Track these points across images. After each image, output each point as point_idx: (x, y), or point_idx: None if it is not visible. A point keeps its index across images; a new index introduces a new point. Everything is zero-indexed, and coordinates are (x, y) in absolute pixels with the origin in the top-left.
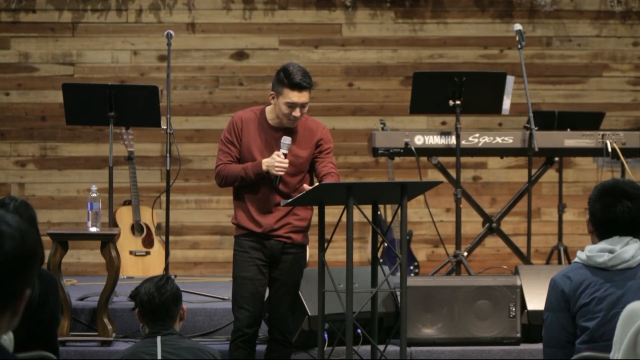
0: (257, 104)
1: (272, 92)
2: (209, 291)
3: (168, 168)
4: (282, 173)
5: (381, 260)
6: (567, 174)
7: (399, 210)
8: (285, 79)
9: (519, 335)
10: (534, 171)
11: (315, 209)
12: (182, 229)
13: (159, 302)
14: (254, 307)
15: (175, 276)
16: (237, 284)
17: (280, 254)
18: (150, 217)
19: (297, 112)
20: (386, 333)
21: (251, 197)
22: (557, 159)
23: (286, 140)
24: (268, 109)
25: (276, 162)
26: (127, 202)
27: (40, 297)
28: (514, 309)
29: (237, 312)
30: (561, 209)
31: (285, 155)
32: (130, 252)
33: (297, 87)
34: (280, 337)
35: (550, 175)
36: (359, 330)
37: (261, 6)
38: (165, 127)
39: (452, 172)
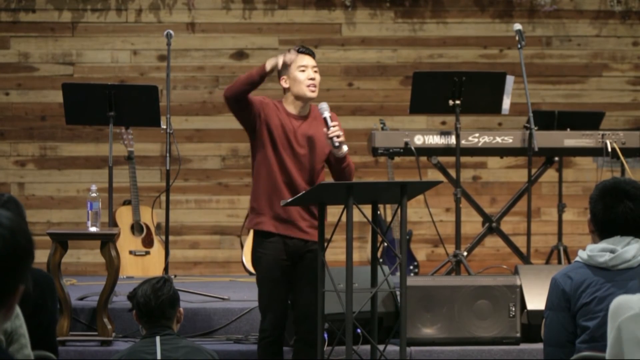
0: None
1: (282, 77)
2: (208, 291)
3: (168, 168)
4: (341, 133)
5: (381, 260)
6: (567, 173)
7: (399, 210)
8: (292, 51)
9: (518, 335)
10: (533, 171)
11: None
12: (181, 229)
13: (155, 305)
14: (279, 308)
15: (175, 276)
16: (260, 285)
17: (303, 252)
18: (150, 216)
19: (312, 74)
20: (386, 333)
21: (273, 200)
22: (556, 158)
23: (323, 104)
24: (284, 99)
25: (332, 131)
26: (126, 202)
27: (37, 300)
28: (513, 309)
29: (262, 314)
30: (561, 208)
31: (330, 118)
32: (130, 252)
33: (303, 52)
34: (307, 337)
35: (550, 175)
36: (358, 330)
37: (261, 6)
38: (165, 126)
39: (452, 172)
